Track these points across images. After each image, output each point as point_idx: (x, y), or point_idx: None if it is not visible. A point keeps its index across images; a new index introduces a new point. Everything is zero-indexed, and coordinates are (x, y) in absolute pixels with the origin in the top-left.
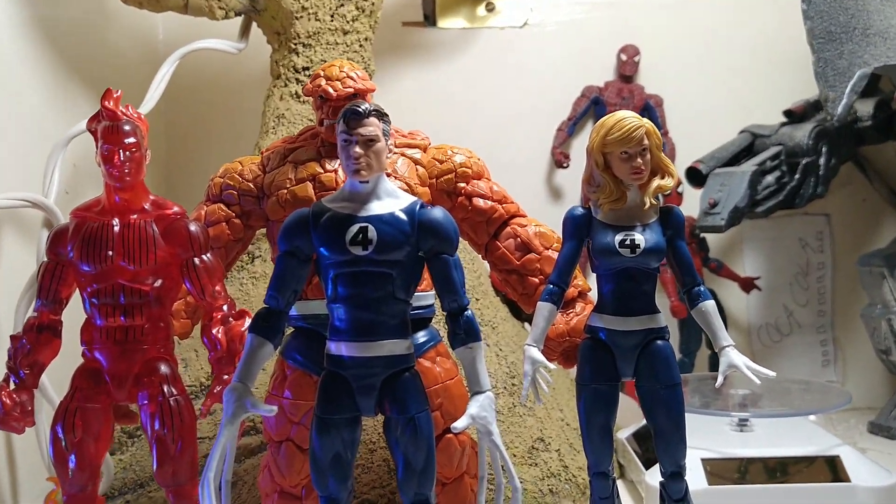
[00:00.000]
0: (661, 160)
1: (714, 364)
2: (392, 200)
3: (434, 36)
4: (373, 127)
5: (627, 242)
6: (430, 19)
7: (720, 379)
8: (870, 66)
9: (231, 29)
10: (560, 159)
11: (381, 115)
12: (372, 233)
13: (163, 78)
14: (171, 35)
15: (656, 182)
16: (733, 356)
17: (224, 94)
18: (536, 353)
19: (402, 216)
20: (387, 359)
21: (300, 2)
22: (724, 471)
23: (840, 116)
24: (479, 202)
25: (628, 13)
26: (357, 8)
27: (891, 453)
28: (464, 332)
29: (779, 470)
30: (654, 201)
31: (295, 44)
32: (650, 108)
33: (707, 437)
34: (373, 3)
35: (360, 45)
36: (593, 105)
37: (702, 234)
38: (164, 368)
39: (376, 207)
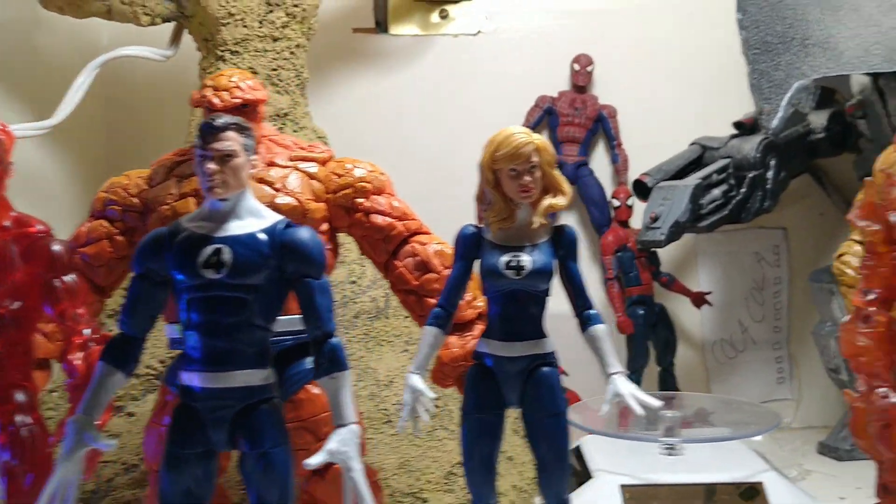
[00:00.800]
0: (554, 178)
1: (664, 382)
2: (254, 220)
3: (386, 43)
4: (230, 142)
5: (513, 264)
6: (381, 26)
7: (604, 408)
8: (808, 77)
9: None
10: None
11: (242, 129)
12: (227, 255)
13: (80, 86)
14: (116, 42)
15: (547, 200)
16: (620, 385)
17: (165, 101)
18: (417, 382)
19: (262, 237)
20: (241, 390)
21: (227, 8)
22: (644, 498)
23: (776, 129)
24: (377, 219)
25: (583, 23)
26: (287, 14)
27: (836, 475)
28: (328, 360)
29: (700, 496)
30: (544, 220)
31: (222, 51)
32: (603, 119)
33: (632, 463)
34: (304, 10)
35: (292, 53)
36: (547, 115)
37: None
38: (19, 396)
39: (235, 227)
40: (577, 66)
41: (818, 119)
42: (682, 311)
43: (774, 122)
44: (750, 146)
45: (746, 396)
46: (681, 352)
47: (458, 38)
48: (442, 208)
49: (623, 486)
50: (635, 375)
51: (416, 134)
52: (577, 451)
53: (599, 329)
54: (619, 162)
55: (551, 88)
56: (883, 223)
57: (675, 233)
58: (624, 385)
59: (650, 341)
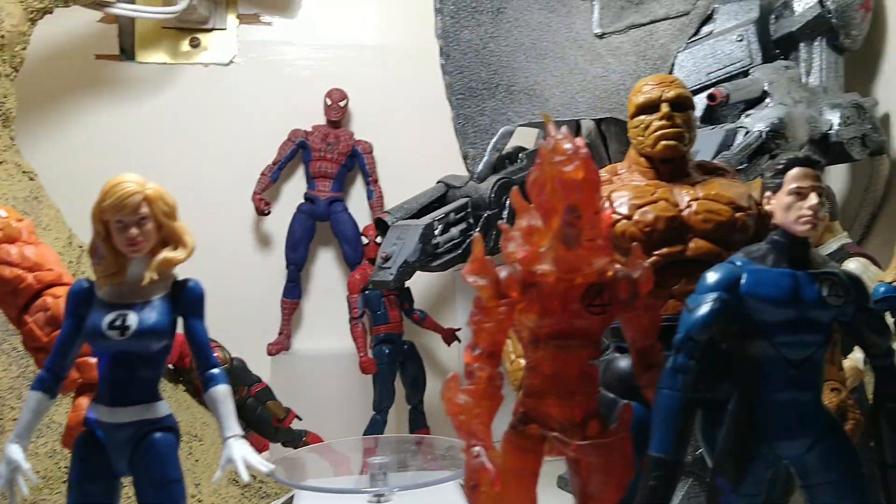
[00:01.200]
0: (173, 230)
1: (413, 422)
2: None
3: (133, 71)
4: None
5: (117, 324)
6: (127, 53)
7: (218, 473)
8: (514, 123)
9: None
10: (260, 206)
11: None
12: None
13: None
14: None
15: (163, 254)
16: (233, 449)
17: None
18: (14, 453)
19: None
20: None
21: None
22: None
23: (481, 174)
24: (3, 270)
25: (340, 57)
26: None
27: None
28: None
29: None
30: (155, 276)
31: None
32: (358, 155)
33: None
34: (3, 36)
35: None
36: (300, 149)
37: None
38: None
39: None
40: (329, 101)
41: None
42: (441, 348)
43: (479, 168)
44: (486, 186)
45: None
46: (437, 387)
47: (210, 67)
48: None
49: None
50: (381, 415)
51: (163, 167)
52: None
53: (218, 391)
54: (373, 198)
55: (308, 122)
56: (491, 278)
57: (405, 273)
58: (236, 449)
59: (400, 379)
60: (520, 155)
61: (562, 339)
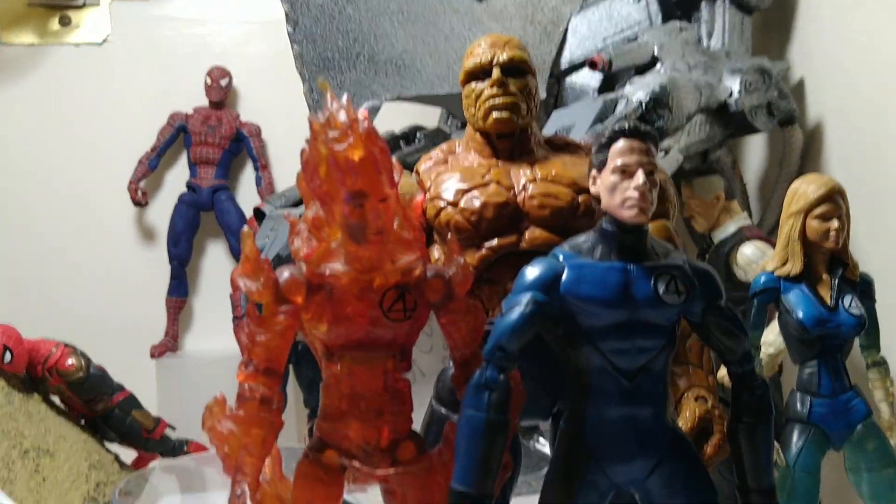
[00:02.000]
0: None
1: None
2: None
3: None
4: None
5: None
6: None
7: None
8: (380, 97)
9: None
10: (136, 196)
11: None
12: None
13: None
14: None
15: None
16: None
17: None
18: None
19: None
20: None
21: None
22: None
23: None
24: None
25: (221, 34)
26: None
27: None
28: None
29: None
30: None
31: None
32: (244, 138)
33: None
34: None
35: None
36: (180, 133)
37: None
38: None
39: None
40: (209, 80)
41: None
42: None
43: None
44: None
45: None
46: None
47: (82, 47)
48: (65, 233)
49: None
50: None
51: (33, 156)
52: None
53: None
54: (262, 185)
55: (190, 104)
56: (267, 281)
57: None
58: None
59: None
60: (417, 134)
61: (360, 350)
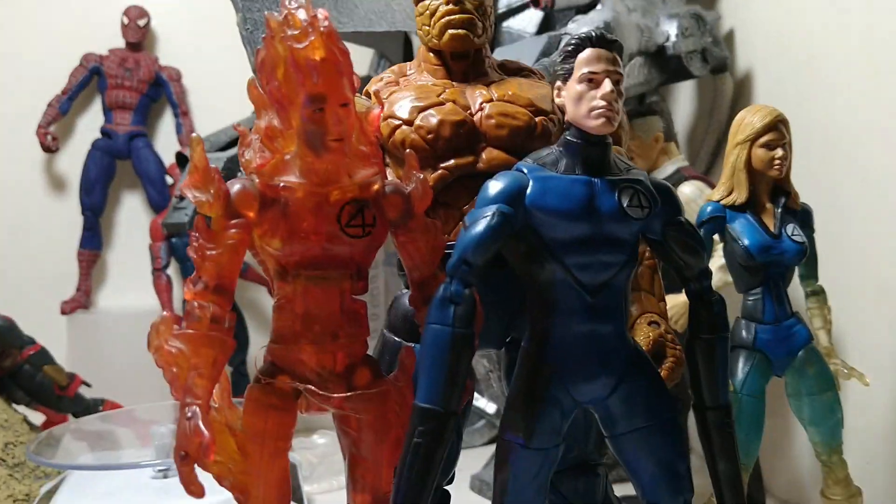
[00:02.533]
0: None
1: (235, 384)
2: None
3: None
4: None
5: None
6: None
7: None
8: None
9: None
10: (45, 142)
11: None
12: None
13: None
14: None
15: None
16: None
17: None
18: None
19: None
20: None
21: None
22: None
23: None
24: None
25: None
26: None
27: None
28: None
29: None
30: None
31: None
32: (164, 83)
33: (120, 496)
34: None
35: None
36: (94, 76)
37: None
38: None
39: None
40: (126, 20)
41: None
42: (267, 301)
43: None
44: None
45: None
46: (262, 343)
47: None
48: None
49: None
50: None
51: None
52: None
53: None
54: (182, 133)
55: (105, 46)
56: (217, 192)
57: None
58: None
59: None
60: None
61: (316, 268)
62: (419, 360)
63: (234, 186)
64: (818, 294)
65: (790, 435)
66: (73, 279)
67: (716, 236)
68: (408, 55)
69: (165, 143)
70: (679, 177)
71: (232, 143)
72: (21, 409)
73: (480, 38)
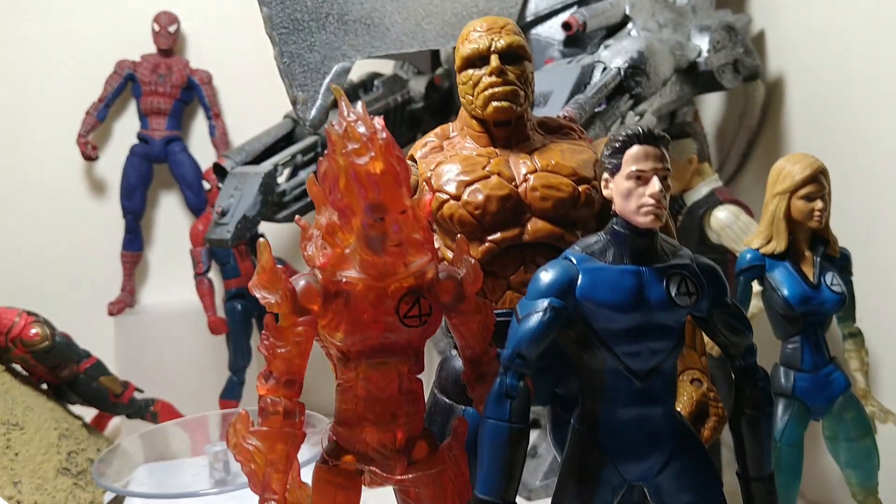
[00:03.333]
0: None
1: None
2: None
3: None
4: None
5: None
6: None
7: None
8: (350, 58)
9: None
10: (86, 150)
11: None
12: None
13: None
14: None
15: None
16: None
17: None
18: None
19: None
20: None
21: None
22: None
23: (314, 122)
24: None
25: None
26: None
27: None
28: None
29: None
30: None
31: None
32: (196, 86)
33: None
34: None
35: None
36: (128, 83)
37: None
38: None
39: None
40: (156, 27)
41: (417, 86)
42: None
43: (312, 113)
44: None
45: None
46: None
47: None
48: (12, 191)
49: None
50: (238, 376)
51: None
52: None
53: None
54: (216, 135)
55: (137, 52)
56: (285, 291)
57: (244, 229)
58: None
59: (258, 335)
60: (374, 82)
61: (376, 356)
62: (479, 451)
63: (300, 283)
64: (856, 336)
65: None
66: (117, 280)
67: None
68: (436, 63)
69: (199, 144)
70: (713, 200)
71: (267, 153)
72: (76, 408)
73: (522, 106)
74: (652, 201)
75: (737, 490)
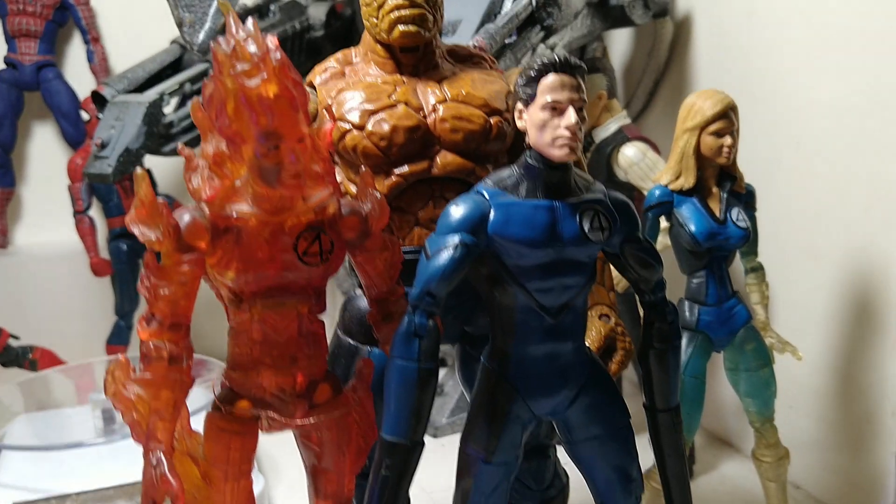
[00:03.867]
0: None
1: None
2: None
3: None
4: None
5: None
6: None
7: None
8: None
9: None
10: None
11: None
12: None
13: None
14: None
15: None
16: None
17: None
18: None
19: None
20: None
21: None
22: None
23: (202, 46)
24: None
25: None
26: None
27: None
28: None
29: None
30: None
31: None
32: (70, 6)
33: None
34: None
35: None
36: None
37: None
38: None
39: None
40: None
41: (317, 13)
42: None
43: (200, 37)
44: None
45: None
46: None
47: None
48: None
49: None
50: (125, 321)
51: None
52: None
53: None
54: (94, 62)
55: None
56: (167, 227)
57: (127, 163)
58: None
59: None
60: (271, 7)
61: (272, 296)
62: (385, 391)
63: (184, 218)
64: (757, 270)
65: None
66: None
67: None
68: None
69: (75, 71)
70: (622, 137)
71: (151, 80)
72: None
73: (431, 32)
74: (567, 133)
75: (642, 420)
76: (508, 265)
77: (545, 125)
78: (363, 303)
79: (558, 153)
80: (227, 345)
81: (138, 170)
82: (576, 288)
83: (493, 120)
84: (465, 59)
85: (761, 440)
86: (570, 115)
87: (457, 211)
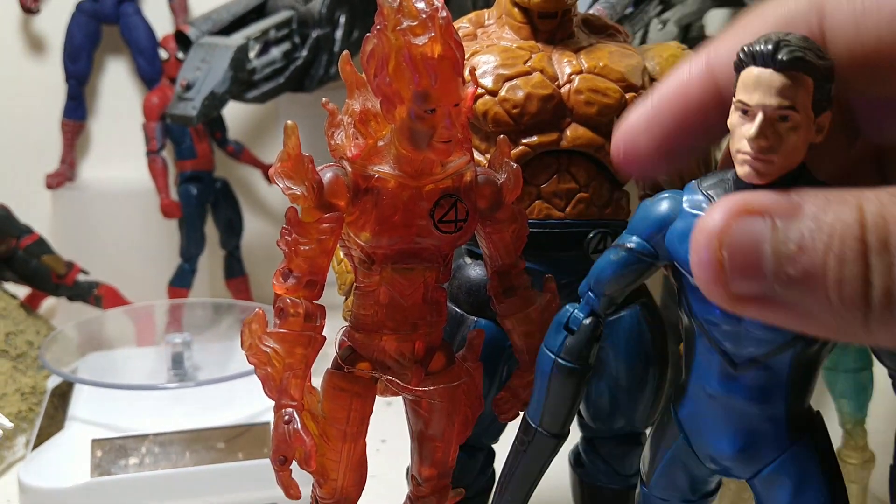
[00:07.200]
0: None
1: (230, 269)
2: None
3: None
4: None
5: None
6: None
7: None
8: None
9: None
10: (26, 2)
11: None
12: None
13: None
14: None
15: None
16: None
17: None
18: None
19: None
20: None
21: None
22: (120, 454)
23: None
24: None
25: None
26: None
27: None
28: None
29: (195, 447)
30: None
31: None
32: None
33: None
34: None
35: None
36: None
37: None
38: None
39: None
40: None
41: None
42: (261, 185)
43: None
44: None
45: None
46: (257, 228)
47: None
48: None
49: (95, 441)
50: (190, 264)
51: None
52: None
53: None
54: (174, 0)
55: None
56: (310, 183)
57: (211, 107)
58: None
59: (213, 222)
60: None
61: (403, 261)
62: (535, 373)
63: (327, 175)
64: None
65: None
66: (56, 151)
67: None
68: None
69: (155, 8)
70: None
71: (236, 24)
72: (9, 286)
73: None
74: (747, 148)
75: None
76: (686, 288)
77: (735, 130)
78: (473, 272)
79: (739, 170)
80: (353, 306)
81: (289, 122)
82: (770, 343)
83: (628, 96)
84: (600, 29)
85: (849, 441)
86: (755, 125)
87: (651, 210)
